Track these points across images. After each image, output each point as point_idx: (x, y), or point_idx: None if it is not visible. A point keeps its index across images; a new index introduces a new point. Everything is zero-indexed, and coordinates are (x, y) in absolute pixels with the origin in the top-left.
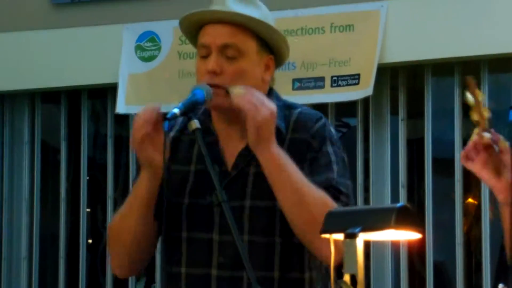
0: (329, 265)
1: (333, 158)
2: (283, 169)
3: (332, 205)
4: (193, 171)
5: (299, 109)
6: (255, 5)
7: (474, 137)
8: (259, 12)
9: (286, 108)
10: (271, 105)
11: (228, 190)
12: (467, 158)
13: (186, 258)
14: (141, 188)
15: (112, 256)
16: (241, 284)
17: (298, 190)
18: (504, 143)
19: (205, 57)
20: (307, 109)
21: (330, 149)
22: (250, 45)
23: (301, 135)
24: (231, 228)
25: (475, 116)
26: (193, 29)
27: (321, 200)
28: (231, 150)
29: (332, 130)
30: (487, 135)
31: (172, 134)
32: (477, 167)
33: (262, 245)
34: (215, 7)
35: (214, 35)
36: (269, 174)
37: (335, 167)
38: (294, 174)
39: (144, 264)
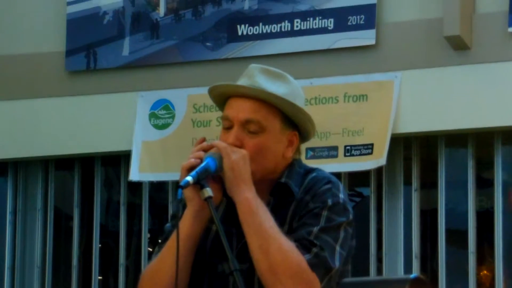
0: None
1: (322, 221)
2: (255, 214)
3: (298, 257)
4: (214, 231)
5: (314, 174)
6: (284, 81)
7: None
8: (288, 88)
9: (305, 174)
10: (244, 150)
11: (243, 252)
12: None
13: None
14: (183, 227)
15: None
16: None
17: (265, 237)
18: None
19: (228, 128)
20: (322, 173)
21: (324, 213)
22: (273, 122)
23: (306, 197)
24: None
25: None
26: (220, 98)
27: (286, 251)
28: None
29: (341, 195)
30: None
31: None
32: None
33: None
34: (242, 80)
35: (237, 110)
36: (241, 217)
37: (320, 225)
38: (265, 221)
39: None
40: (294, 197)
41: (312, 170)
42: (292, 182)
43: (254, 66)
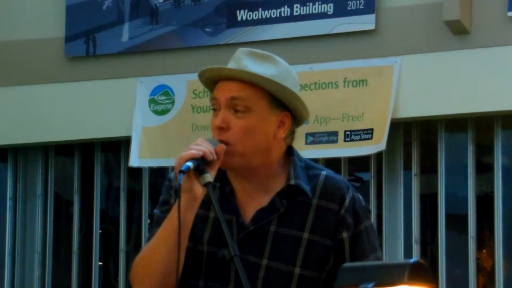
0: None
1: (371, 233)
2: None
3: None
4: (212, 218)
5: (324, 173)
6: (271, 62)
7: None
8: (276, 69)
9: (308, 168)
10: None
11: (245, 243)
12: None
13: None
14: (177, 218)
15: None
16: None
17: None
18: None
19: (216, 111)
20: (333, 174)
21: (362, 225)
22: (259, 102)
23: (330, 205)
24: (243, 284)
25: None
26: (210, 84)
27: None
28: (248, 204)
29: (360, 197)
30: None
31: None
32: None
33: None
34: (230, 64)
35: (223, 90)
36: None
37: (376, 244)
38: None
39: None
40: (305, 196)
41: (314, 166)
42: (302, 182)
43: (241, 50)
